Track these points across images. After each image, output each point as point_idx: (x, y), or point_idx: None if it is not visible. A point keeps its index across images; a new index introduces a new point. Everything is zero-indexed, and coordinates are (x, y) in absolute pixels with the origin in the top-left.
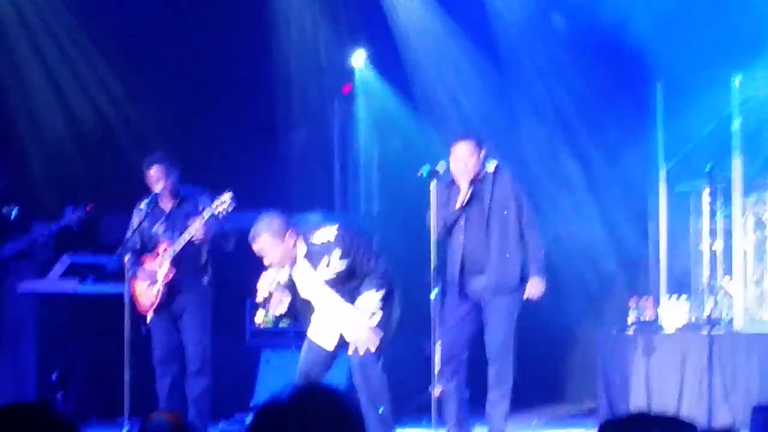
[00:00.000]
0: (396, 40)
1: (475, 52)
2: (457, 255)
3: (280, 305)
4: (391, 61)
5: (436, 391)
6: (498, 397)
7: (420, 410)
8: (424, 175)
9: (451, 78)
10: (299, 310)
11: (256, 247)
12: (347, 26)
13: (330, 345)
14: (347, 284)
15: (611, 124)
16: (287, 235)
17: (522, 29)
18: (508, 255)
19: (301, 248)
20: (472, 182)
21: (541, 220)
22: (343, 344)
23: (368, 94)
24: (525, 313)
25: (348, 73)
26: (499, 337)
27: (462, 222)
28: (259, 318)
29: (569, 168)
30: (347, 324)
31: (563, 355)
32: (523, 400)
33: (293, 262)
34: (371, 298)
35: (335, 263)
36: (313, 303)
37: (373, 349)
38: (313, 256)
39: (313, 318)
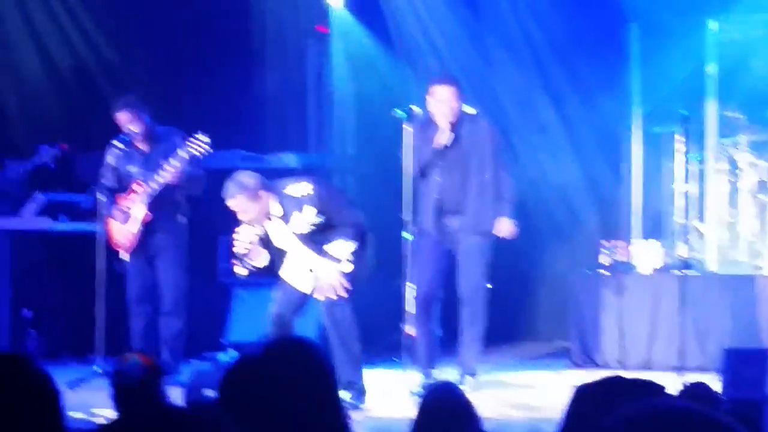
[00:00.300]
0: None
1: None
2: (432, 195)
3: (259, 258)
4: (366, 2)
5: (409, 330)
6: (470, 339)
7: (391, 349)
8: (401, 116)
9: (426, 19)
10: (275, 260)
11: (231, 205)
12: None
13: (304, 287)
14: (321, 236)
15: (587, 66)
16: (261, 193)
17: None
18: (484, 196)
19: (275, 206)
20: (451, 125)
21: (516, 162)
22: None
23: (344, 34)
24: (500, 254)
25: (323, 13)
26: (472, 278)
27: (440, 162)
28: (241, 272)
29: (544, 110)
30: (318, 270)
31: (536, 296)
32: (496, 340)
33: (268, 219)
34: (342, 247)
35: (309, 217)
36: (288, 253)
37: (341, 296)
38: (287, 210)
39: (287, 261)
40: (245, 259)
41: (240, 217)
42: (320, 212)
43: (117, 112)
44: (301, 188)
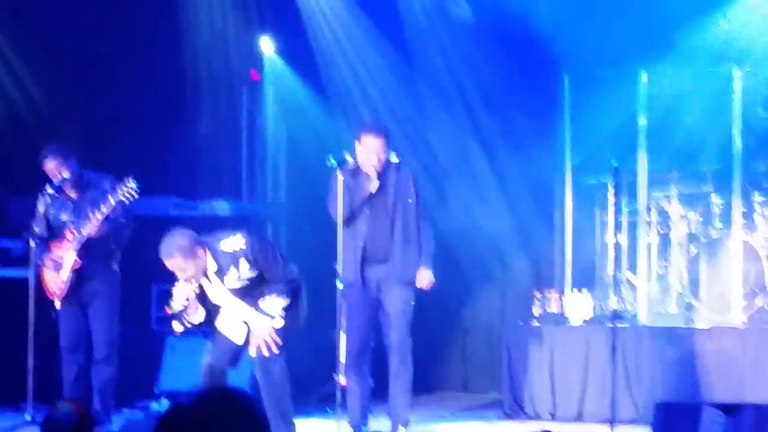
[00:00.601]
0: (304, 27)
1: (383, 42)
2: (358, 243)
3: (196, 314)
4: (299, 49)
5: (342, 380)
6: (402, 389)
7: (325, 400)
8: (333, 164)
9: (359, 67)
10: (210, 314)
11: (170, 265)
12: (256, 13)
13: (238, 339)
14: (255, 290)
15: (518, 116)
16: (198, 251)
17: (430, 18)
18: (409, 246)
19: (211, 263)
20: (378, 173)
21: (448, 211)
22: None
23: (276, 81)
24: (432, 304)
25: (256, 60)
26: (401, 328)
27: (366, 210)
28: (178, 328)
29: (476, 159)
30: (252, 325)
31: (468, 346)
32: (428, 390)
33: (204, 275)
34: (275, 303)
35: (244, 272)
36: (222, 307)
37: (273, 352)
38: (222, 267)
39: (222, 315)
40: (183, 315)
41: (178, 275)
42: (253, 266)
43: (45, 159)
44: (234, 243)
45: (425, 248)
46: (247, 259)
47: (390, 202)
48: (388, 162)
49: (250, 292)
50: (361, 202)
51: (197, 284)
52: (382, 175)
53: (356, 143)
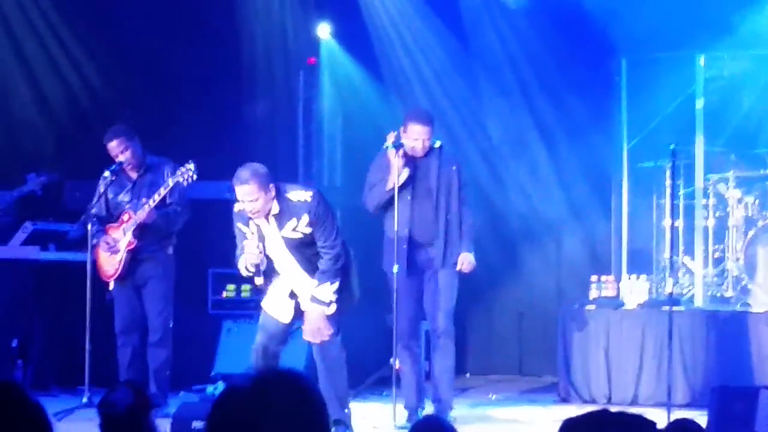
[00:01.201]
0: (361, 12)
1: (440, 26)
2: (404, 228)
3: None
4: (356, 34)
5: (397, 363)
6: (447, 370)
7: (380, 383)
8: (389, 147)
9: (414, 51)
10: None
11: (241, 192)
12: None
13: (285, 317)
14: (306, 250)
15: (575, 100)
16: (270, 186)
17: (486, 2)
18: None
19: (275, 205)
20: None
21: (504, 194)
22: (299, 316)
23: (333, 65)
24: (485, 288)
25: (313, 45)
26: (447, 310)
27: (409, 195)
28: (259, 281)
29: (533, 143)
30: (302, 297)
31: (525, 330)
32: (483, 374)
33: (266, 216)
34: (326, 290)
35: (302, 226)
36: (275, 263)
37: (326, 339)
38: (284, 214)
39: (270, 290)
40: (260, 266)
41: (244, 205)
42: (311, 224)
43: (109, 141)
44: (302, 195)
45: (466, 233)
46: (309, 215)
47: (434, 188)
48: (432, 148)
49: (301, 249)
50: (400, 186)
51: (257, 235)
52: (425, 161)
53: (402, 130)
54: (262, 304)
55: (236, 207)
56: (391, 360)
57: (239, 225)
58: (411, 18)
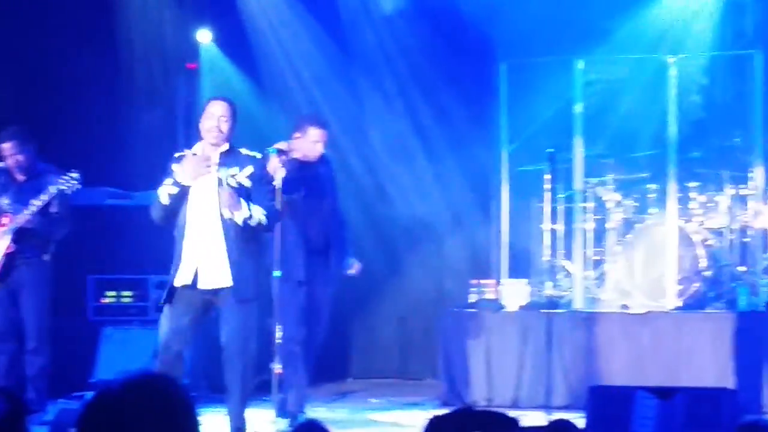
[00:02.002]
0: (241, 17)
1: (319, 31)
2: (297, 236)
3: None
4: (236, 39)
5: (277, 368)
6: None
7: (262, 388)
8: (271, 151)
9: (295, 57)
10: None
11: (221, 106)
12: (192, 2)
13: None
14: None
15: (456, 105)
16: (235, 123)
17: (366, 8)
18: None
19: (225, 147)
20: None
21: (385, 199)
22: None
23: (213, 71)
24: (367, 292)
25: (193, 50)
26: (325, 321)
27: (300, 203)
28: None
29: (413, 147)
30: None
31: (407, 334)
32: (364, 378)
33: (218, 145)
34: (255, 209)
35: (242, 177)
36: (194, 213)
37: (239, 210)
38: (230, 158)
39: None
40: (183, 193)
41: (209, 122)
42: (252, 177)
43: (2, 141)
44: (253, 153)
45: (350, 239)
46: (255, 168)
47: (324, 194)
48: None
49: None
50: (291, 192)
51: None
52: (314, 167)
53: (297, 134)
54: (175, 282)
55: (185, 152)
56: (272, 364)
57: (175, 166)
58: (290, 23)
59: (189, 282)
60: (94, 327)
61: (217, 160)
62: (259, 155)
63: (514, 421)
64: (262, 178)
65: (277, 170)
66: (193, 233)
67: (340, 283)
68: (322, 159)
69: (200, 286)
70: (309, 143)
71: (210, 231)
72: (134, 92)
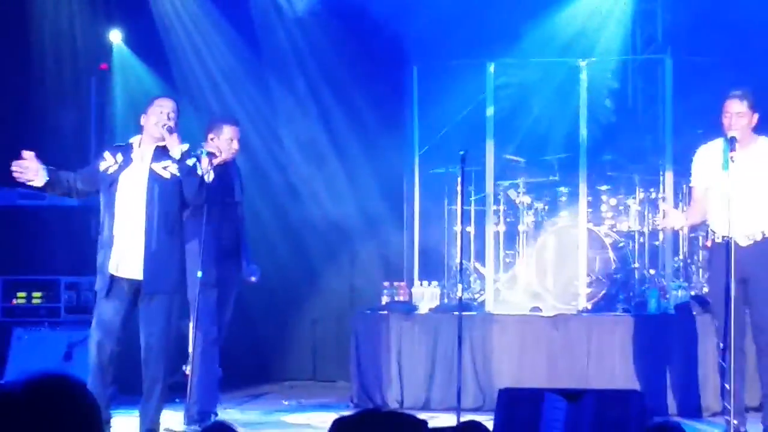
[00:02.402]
0: (153, 18)
1: (232, 32)
2: (210, 237)
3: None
4: (148, 40)
5: (188, 370)
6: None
7: (173, 389)
8: (203, 154)
9: (207, 58)
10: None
11: (172, 104)
12: (103, 3)
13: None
14: (165, 196)
15: (368, 108)
16: (175, 125)
17: (278, 11)
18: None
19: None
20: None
21: (297, 202)
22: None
23: (125, 71)
24: (279, 295)
25: (105, 51)
26: (227, 323)
27: (217, 205)
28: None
29: (326, 150)
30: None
31: (319, 336)
32: (276, 381)
33: (157, 141)
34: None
35: (174, 168)
36: (123, 201)
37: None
38: (166, 152)
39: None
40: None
41: (160, 116)
42: (181, 169)
43: None
44: (184, 146)
45: (249, 244)
46: (184, 159)
47: (235, 197)
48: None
49: (161, 194)
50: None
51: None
52: (224, 170)
53: (210, 135)
54: (99, 297)
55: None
56: (184, 366)
57: (107, 153)
58: (202, 23)
59: (116, 272)
60: (4, 328)
61: (149, 158)
62: (186, 146)
63: (422, 423)
64: (191, 171)
65: (209, 173)
66: (119, 223)
67: (254, 286)
68: (233, 162)
69: (122, 274)
70: (225, 141)
71: (134, 221)
72: (46, 92)
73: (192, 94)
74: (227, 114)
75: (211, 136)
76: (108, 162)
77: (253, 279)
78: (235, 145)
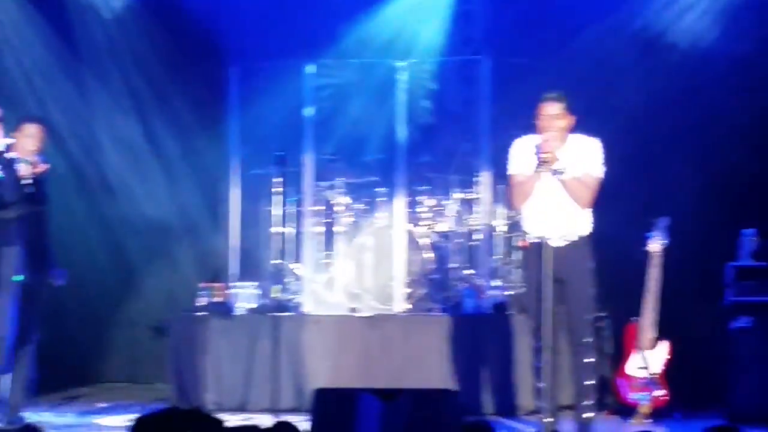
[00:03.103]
0: None
1: (48, 31)
2: (18, 239)
3: None
4: None
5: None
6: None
7: None
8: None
9: (22, 52)
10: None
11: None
12: None
13: None
14: None
15: (187, 108)
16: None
17: (96, 9)
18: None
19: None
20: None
21: (114, 202)
22: None
23: None
24: (95, 296)
25: None
26: (38, 324)
27: (25, 204)
28: None
29: (143, 151)
30: None
31: (137, 338)
32: (92, 383)
33: None
34: None
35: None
36: None
37: None
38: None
39: None
40: None
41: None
42: None
43: None
44: None
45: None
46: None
47: (44, 200)
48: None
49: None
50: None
51: None
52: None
53: (15, 134)
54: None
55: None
56: None
57: None
58: (17, 20)
59: None
60: None
61: None
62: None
63: (218, 422)
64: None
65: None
66: None
67: (70, 287)
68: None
69: None
70: (23, 138)
71: None
72: None
73: (7, 95)
74: (30, 113)
75: (15, 134)
76: None
77: (61, 282)
78: (33, 142)
